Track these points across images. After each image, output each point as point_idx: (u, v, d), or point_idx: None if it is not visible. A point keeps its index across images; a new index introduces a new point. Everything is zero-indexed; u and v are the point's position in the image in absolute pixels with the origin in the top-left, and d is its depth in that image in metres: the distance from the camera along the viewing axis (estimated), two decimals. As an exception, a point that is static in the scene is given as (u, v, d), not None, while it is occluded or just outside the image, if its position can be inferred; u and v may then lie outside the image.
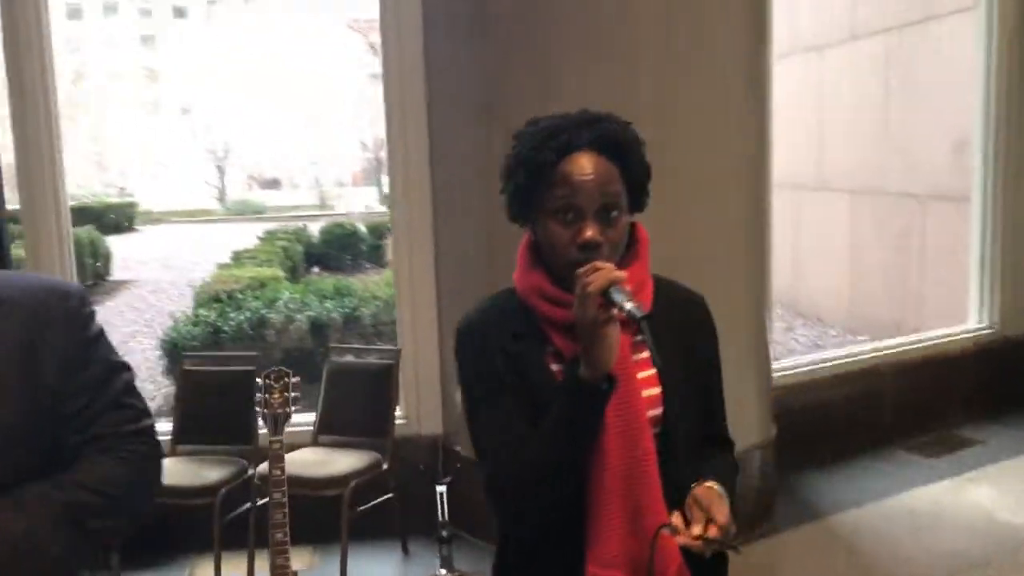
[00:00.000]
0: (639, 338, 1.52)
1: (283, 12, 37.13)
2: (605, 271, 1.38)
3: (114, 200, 21.99)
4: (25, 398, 1.30)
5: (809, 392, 4.80)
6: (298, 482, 3.48)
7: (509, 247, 3.39)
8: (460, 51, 3.85)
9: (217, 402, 3.90)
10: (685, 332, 1.59)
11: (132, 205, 21.45)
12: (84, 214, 17.81)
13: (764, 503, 4.17)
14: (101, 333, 1.43)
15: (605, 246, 1.46)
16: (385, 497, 3.84)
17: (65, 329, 1.36)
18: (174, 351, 6.13)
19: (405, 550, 3.96)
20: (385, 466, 3.79)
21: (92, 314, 1.43)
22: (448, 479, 3.77)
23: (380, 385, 3.90)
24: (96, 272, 12.32)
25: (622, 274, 1.39)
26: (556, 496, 1.46)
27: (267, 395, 2.61)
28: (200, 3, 42.01)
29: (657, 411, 1.52)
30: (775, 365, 4.50)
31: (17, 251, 4.49)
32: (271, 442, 2.61)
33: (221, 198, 30.85)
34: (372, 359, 4.00)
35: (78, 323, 1.38)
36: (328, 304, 6.03)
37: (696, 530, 1.36)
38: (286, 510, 2.56)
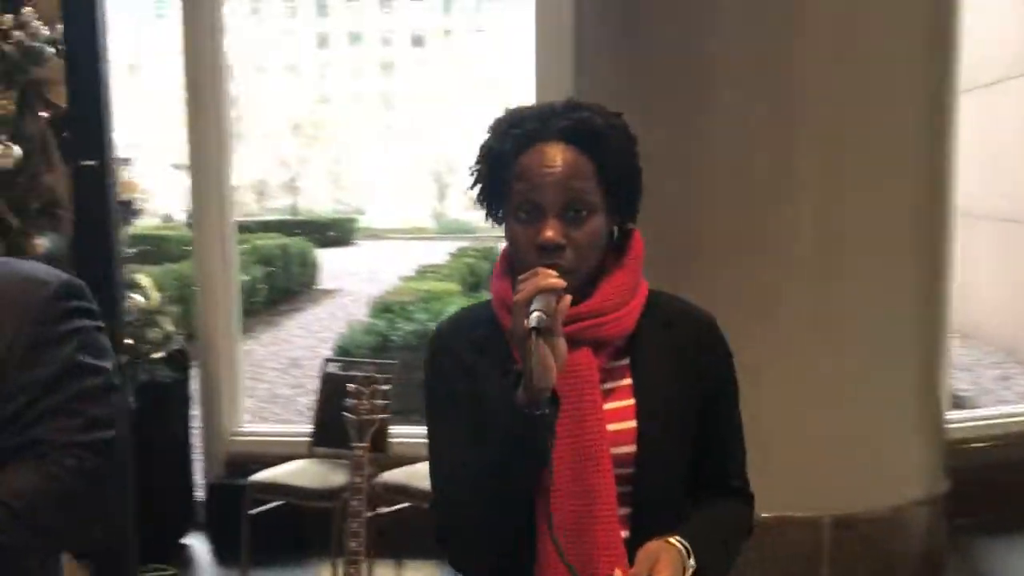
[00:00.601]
0: (621, 362, 1.34)
1: (508, 40, 38.28)
2: (538, 277, 1.20)
3: (336, 216, 23.37)
4: None
5: (997, 447, 4.28)
6: (407, 493, 3.46)
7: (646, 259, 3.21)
8: (609, 61, 3.74)
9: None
10: (684, 358, 1.36)
11: (352, 221, 22.76)
12: (308, 227, 19.04)
13: (929, 569, 3.74)
14: (75, 332, 1.29)
15: (569, 250, 1.26)
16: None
17: (22, 320, 1.25)
18: (346, 356, 6.39)
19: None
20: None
21: (70, 310, 1.30)
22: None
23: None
24: (303, 280, 13.11)
25: (555, 282, 1.19)
26: (490, 540, 1.27)
27: (355, 401, 2.59)
28: (437, 32, 44.12)
29: (628, 448, 1.30)
30: (958, 414, 4.05)
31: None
32: (354, 448, 2.59)
33: (438, 217, 32.11)
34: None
35: (42, 315, 1.27)
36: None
37: None
38: (362, 519, 2.52)
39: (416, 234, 26.68)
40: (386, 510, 3.72)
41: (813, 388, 3.41)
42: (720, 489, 1.41)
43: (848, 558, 3.45)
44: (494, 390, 1.23)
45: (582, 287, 1.30)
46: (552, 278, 1.19)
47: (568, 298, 1.21)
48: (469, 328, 1.36)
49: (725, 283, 3.23)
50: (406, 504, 3.67)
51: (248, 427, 4.41)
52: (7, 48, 2.76)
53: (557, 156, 1.26)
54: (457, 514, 1.26)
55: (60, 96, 3.07)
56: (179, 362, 4.11)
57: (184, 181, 4.38)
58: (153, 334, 3.40)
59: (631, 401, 1.32)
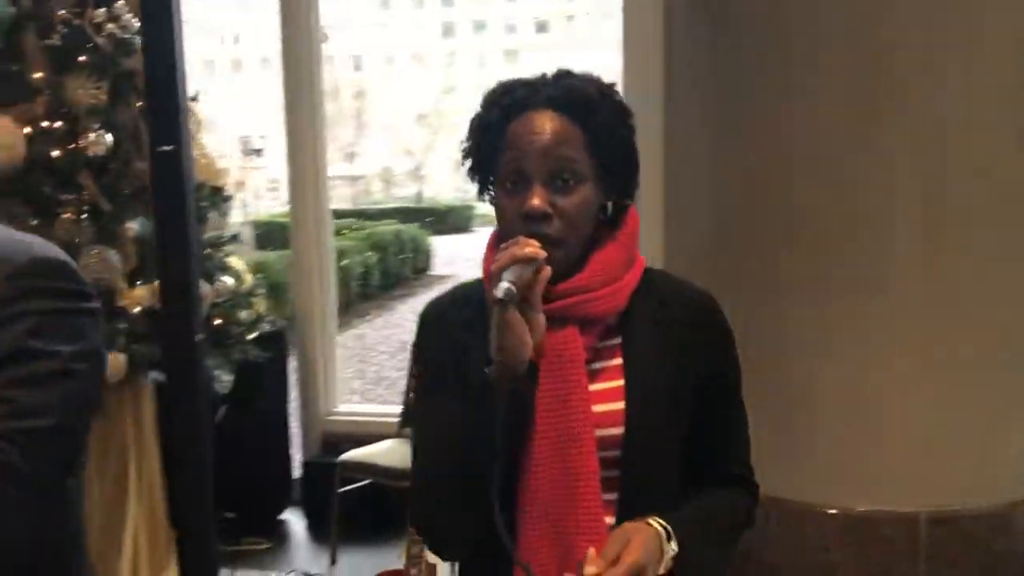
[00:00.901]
0: (612, 341, 1.28)
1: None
2: (515, 246, 1.14)
3: (455, 203, 23.60)
4: None
5: None
6: (373, 471, 3.50)
7: (733, 252, 3.13)
8: (700, 51, 3.63)
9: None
10: (677, 338, 1.29)
11: (470, 208, 22.94)
12: (426, 215, 19.38)
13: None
14: (27, 313, 1.18)
15: (556, 219, 1.21)
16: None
17: None
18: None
19: None
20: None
21: (28, 290, 1.19)
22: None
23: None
24: (415, 266, 13.32)
25: (532, 251, 1.14)
26: (465, 521, 1.21)
27: None
28: (560, 17, 44.01)
29: (615, 431, 1.24)
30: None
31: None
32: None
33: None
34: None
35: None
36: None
37: (589, 569, 1.11)
38: None
39: (532, 223, 26.70)
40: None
41: (920, 375, 3.24)
42: (720, 477, 1.35)
43: (948, 556, 3.27)
44: (478, 366, 1.18)
45: (572, 262, 1.25)
46: (530, 247, 1.14)
47: (548, 269, 1.16)
48: (461, 305, 1.32)
49: (823, 263, 3.11)
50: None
51: (343, 407, 4.51)
52: (100, 41, 2.89)
53: (545, 124, 1.22)
54: (434, 492, 1.21)
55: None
56: (275, 343, 4.25)
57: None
58: (245, 315, 3.51)
59: (620, 382, 1.26)
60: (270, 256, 9.75)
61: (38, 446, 1.16)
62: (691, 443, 1.31)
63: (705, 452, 1.33)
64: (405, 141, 33.50)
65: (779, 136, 3.23)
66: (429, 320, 1.35)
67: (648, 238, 3.75)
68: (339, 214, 17.90)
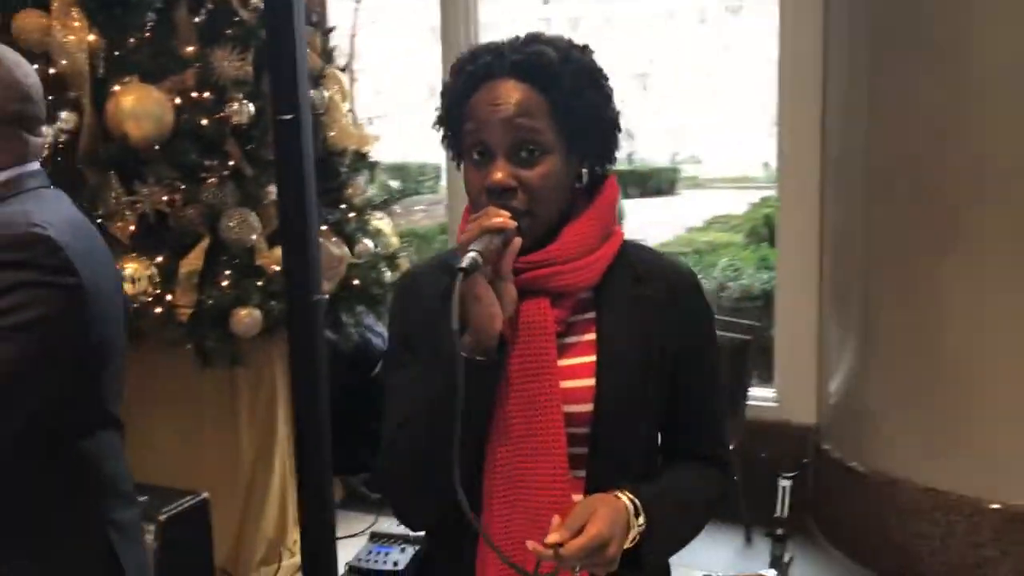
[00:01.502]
0: (586, 315, 1.25)
1: None
2: (483, 217, 1.14)
3: (658, 166, 23.14)
4: None
5: None
6: None
7: (888, 229, 3.00)
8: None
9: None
10: (651, 314, 1.26)
11: (675, 171, 22.41)
12: (630, 178, 19.15)
13: None
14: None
15: (521, 192, 1.19)
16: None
17: None
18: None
19: (748, 539, 3.69)
20: (730, 447, 3.58)
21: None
22: (793, 473, 3.43)
23: (734, 363, 3.66)
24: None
25: (500, 222, 1.13)
26: (426, 492, 1.21)
27: None
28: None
29: (584, 407, 1.22)
30: None
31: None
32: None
33: (766, 166, 30.84)
34: (731, 333, 3.76)
35: None
36: (764, 275, 5.76)
37: (551, 537, 1.09)
38: None
39: (743, 183, 25.78)
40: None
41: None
42: (693, 454, 1.33)
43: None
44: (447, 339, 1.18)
45: (544, 232, 1.23)
46: (499, 217, 1.14)
47: (518, 240, 1.15)
48: (438, 274, 1.32)
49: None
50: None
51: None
52: (245, 15, 3.05)
53: (506, 93, 1.20)
54: (398, 463, 1.23)
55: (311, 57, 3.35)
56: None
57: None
58: (390, 277, 3.64)
59: (592, 358, 1.24)
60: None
61: None
62: (665, 420, 1.30)
63: (679, 430, 1.32)
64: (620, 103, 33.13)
65: (941, 105, 2.99)
66: (403, 288, 1.37)
67: (808, 212, 3.62)
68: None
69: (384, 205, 3.85)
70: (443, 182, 5.94)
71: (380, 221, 3.71)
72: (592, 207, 1.28)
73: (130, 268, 2.74)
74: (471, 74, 1.23)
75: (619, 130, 1.30)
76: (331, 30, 3.67)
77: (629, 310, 1.26)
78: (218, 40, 2.97)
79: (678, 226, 10.97)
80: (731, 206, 12.04)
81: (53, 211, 1.48)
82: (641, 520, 1.18)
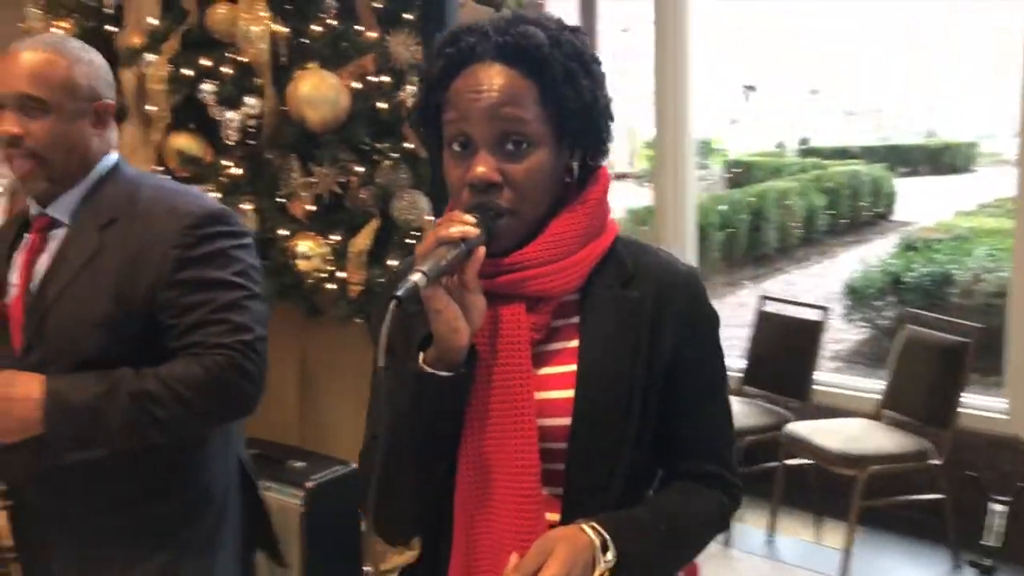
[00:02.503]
0: (570, 320, 1.13)
1: None
2: (442, 226, 1.03)
3: (954, 141, 21.03)
4: (121, 299, 1.51)
5: None
6: (813, 451, 3.21)
7: None
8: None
9: (784, 349, 3.78)
10: (641, 319, 1.12)
11: (972, 146, 20.27)
12: (920, 153, 17.69)
13: None
14: (213, 255, 1.54)
15: (507, 188, 1.08)
16: (933, 496, 3.25)
17: (164, 248, 1.51)
18: (853, 295, 5.97)
19: (956, 565, 3.30)
20: (936, 461, 3.20)
21: (209, 235, 1.54)
22: (1008, 498, 3.02)
23: (950, 366, 3.26)
24: (876, 211, 12.10)
25: (457, 232, 1.02)
26: (399, 507, 1.13)
27: None
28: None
29: (562, 421, 1.10)
30: None
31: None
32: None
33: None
34: (949, 335, 3.35)
35: (180, 244, 1.52)
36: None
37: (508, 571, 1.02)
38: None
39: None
40: (792, 462, 3.49)
41: None
42: (692, 474, 1.20)
43: None
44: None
45: (529, 231, 1.12)
46: (458, 227, 1.03)
47: (482, 249, 1.04)
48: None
49: None
50: (807, 461, 3.40)
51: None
52: (421, -1, 3.10)
53: (490, 79, 1.08)
54: (368, 476, 1.10)
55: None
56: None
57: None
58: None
59: (573, 367, 1.12)
60: (721, 195, 9.72)
61: (255, 353, 1.54)
62: (662, 435, 1.16)
63: (675, 447, 1.18)
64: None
65: None
66: (384, 289, 1.29)
67: None
68: (812, 152, 17.16)
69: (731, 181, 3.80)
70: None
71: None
72: (578, 204, 1.15)
73: (305, 245, 2.88)
74: (450, 57, 1.10)
75: (611, 119, 1.16)
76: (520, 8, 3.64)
77: (615, 314, 1.13)
78: (396, 25, 3.03)
79: (950, 208, 9.96)
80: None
81: (166, 182, 1.74)
82: (609, 556, 1.06)
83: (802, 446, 3.30)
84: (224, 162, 2.93)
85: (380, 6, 3.05)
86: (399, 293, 0.99)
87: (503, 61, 1.08)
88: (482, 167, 1.08)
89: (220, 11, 2.90)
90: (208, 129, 2.96)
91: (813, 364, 3.64)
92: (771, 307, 3.97)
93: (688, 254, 4.34)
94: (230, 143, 2.92)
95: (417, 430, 1.09)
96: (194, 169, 2.93)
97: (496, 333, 1.11)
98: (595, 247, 1.15)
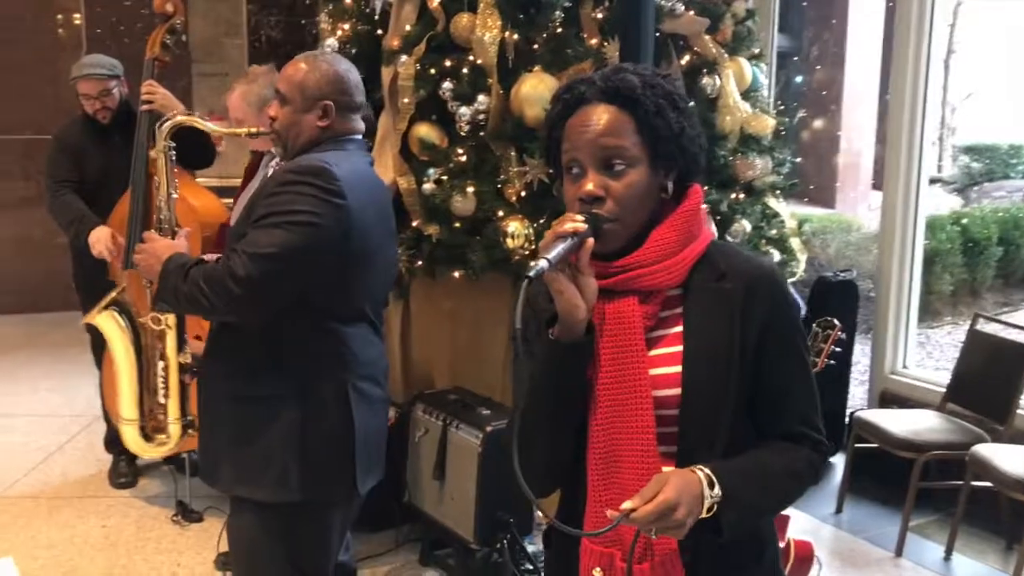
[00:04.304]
0: (674, 311, 1.40)
1: None
2: (558, 224, 1.32)
3: None
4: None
5: None
6: (995, 473, 3.20)
7: None
8: None
9: (991, 370, 3.71)
10: (733, 307, 1.37)
11: None
12: None
13: None
14: (279, 194, 1.98)
15: (609, 200, 1.36)
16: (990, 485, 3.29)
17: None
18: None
19: (1009, 548, 3.44)
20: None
21: (286, 182, 1.99)
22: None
23: (1013, 364, 3.43)
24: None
25: (571, 227, 1.30)
26: (536, 458, 1.38)
27: (811, 346, 2.58)
28: None
29: (673, 391, 1.38)
30: None
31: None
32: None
33: None
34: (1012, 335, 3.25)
35: (282, 181, 2.01)
36: None
37: (625, 504, 1.27)
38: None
39: None
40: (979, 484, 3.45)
41: None
42: (782, 433, 1.42)
43: None
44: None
45: (631, 237, 1.40)
46: (571, 223, 1.32)
47: (591, 241, 1.33)
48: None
49: None
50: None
51: (907, 369, 4.37)
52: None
53: (594, 116, 1.37)
54: (517, 436, 1.34)
55: (704, 46, 3.59)
56: (847, 291, 4.37)
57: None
58: (780, 258, 3.74)
59: (679, 348, 1.39)
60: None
61: (256, 262, 1.92)
62: (755, 402, 1.42)
63: (767, 409, 1.43)
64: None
65: None
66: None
67: None
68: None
69: (790, 189, 3.94)
70: None
71: (777, 202, 3.81)
72: (674, 215, 1.41)
73: (513, 225, 3.29)
74: (566, 101, 1.40)
75: (700, 147, 1.43)
76: (747, 17, 3.81)
77: (712, 304, 1.38)
78: (616, 32, 3.34)
79: None
80: None
81: (345, 158, 2.12)
82: (716, 491, 1.30)
83: (984, 467, 3.27)
84: (458, 150, 3.41)
85: (601, 16, 3.39)
86: (530, 275, 1.28)
87: (606, 101, 1.38)
88: (590, 184, 1.37)
89: (463, 20, 3.38)
90: (445, 121, 3.45)
91: (1019, 388, 3.54)
92: (985, 326, 3.87)
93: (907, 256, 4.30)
94: (462, 134, 3.38)
95: (549, 392, 1.37)
96: (431, 154, 3.43)
97: (614, 320, 1.40)
98: (692, 250, 1.41)
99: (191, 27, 8.69)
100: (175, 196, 2.39)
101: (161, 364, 2.31)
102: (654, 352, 1.40)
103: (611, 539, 1.41)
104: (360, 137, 2.23)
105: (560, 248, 1.30)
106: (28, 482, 4.11)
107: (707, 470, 1.31)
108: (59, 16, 7.20)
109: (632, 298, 1.39)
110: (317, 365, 2.09)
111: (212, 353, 2.15)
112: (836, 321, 2.55)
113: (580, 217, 1.34)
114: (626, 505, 1.26)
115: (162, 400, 2.25)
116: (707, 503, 1.30)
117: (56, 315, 6.32)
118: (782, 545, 2.55)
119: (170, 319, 2.26)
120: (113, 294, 2.20)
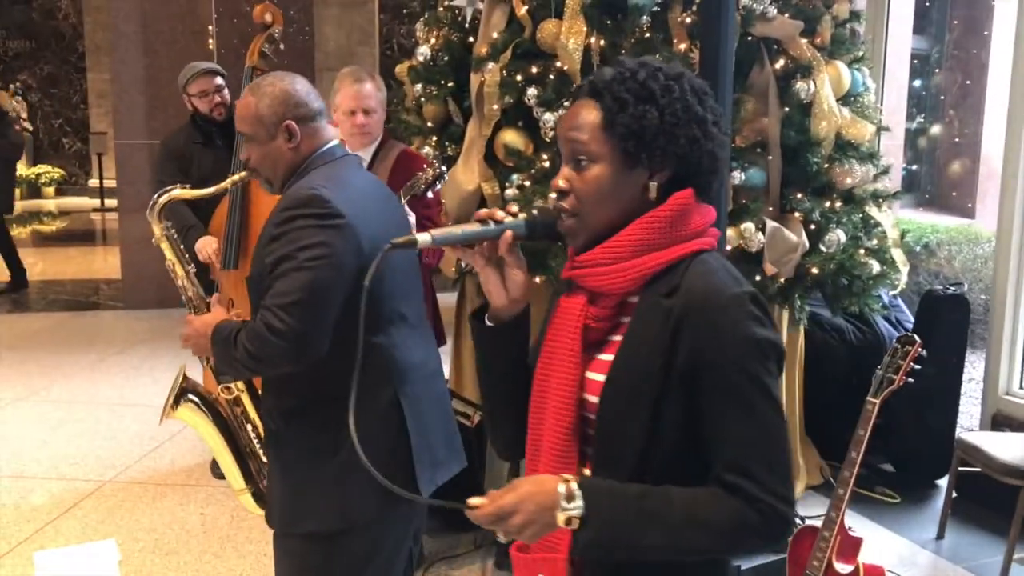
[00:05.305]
0: (624, 318, 1.36)
1: None
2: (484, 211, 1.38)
3: None
4: (257, 261, 2.02)
5: None
6: (978, 456, 3.25)
7: None
8: None
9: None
10: (667, 329, 1.29)
11: None
12: None
13: None
14: (285, 232, 1.92)
15: (571, 195, 1.35)
16: None
17: (268, 223, 1.99)
18: None
19: None
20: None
21: (288, 218, 1.93)
22: None
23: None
24: None
25: (485, 213, 1.37)
26: (498, 435, 1.55)
27: (889, 363, 2.45)
28: None
29: (596, 398, 1.35)
30: None
31: None
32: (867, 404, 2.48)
33: None
34: None
35: (274, 220, 1.96)
36: None
37: (472, 501, 1.26)
38: (854, 470, 2.43)
39: None
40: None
41: None
42: (717, 480, 1.28)
43: None
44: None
45: (596, 234, 1.36)
46: (499, 212, 1.37)
47: (508, 234, 1.35)
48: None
49: None
50: None
51: (1022, 390, 4.10)
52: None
53: (574, 110, 1.36)
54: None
55: (799, 49, 3.48)
56: (957, 306, 4.13)
57: None
58: (878, 270, 3.59)
59: (612, 357, 1.36)
60: None
61: (290, 312, 1.90)
62: (694, 439, 1.31)
63: (705, 450, 1.31)
64: None
65: None
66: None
67: None
68: None
69: (893, 197, 3.77)
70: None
71: (881, 212, 3.66)
72: (638, 220, 1.33)
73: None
74: (575, 96, 1.41)
75: (696, 149, 1.33)
76: (850, 19, 3.67)
77: (653, 319, 1.31)
78: (698, 36, 3.28)
79: None
80: None
81: (331, 172, 2.08)
82: (574, 505, 1.24)
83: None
84: (543, 155, 3.41)
85: (690, 20, 3.34)
86: (396, 240, 1.33)
87: (587, 96, 1.37)
88: (560, 178, 1.37)
89: (548, 27, 3.39)
90: (531, 127, 3.46)
91: None
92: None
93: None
94: (547, 140, 3.38)
95: (481, 369, 1.47)
96: (515, 160, 3.45)
97: (560, 316, 1.41)
98: (653, 258, 1.32)
99: (323, 35, 9.03)
100: (193, 270, 2.41)
101: (249, 427, 2.35)
102: (600, 356, 1.37)
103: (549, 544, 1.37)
104: (336, 142, 2.18)
105: (459, 232, 1.35)
106: (138, 468, 4.34)
107: (573, 484, 1.25)
108: (195, 32, 7.59)
109: (582, 297, 1.38)
110: (364, 385, 2.09)
111: (267, 407, 2.17)
112: (916, 337, 2.41)
113: (514, 209, 1.38)
114: (472, 501, 1.25)
115: (264, 459, 2.30)
116: (561, 516, 1.24)
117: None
118: (851, 568, 2.43)
119: (238, 384, 2.29)
120: (177, 383, 2.26)
